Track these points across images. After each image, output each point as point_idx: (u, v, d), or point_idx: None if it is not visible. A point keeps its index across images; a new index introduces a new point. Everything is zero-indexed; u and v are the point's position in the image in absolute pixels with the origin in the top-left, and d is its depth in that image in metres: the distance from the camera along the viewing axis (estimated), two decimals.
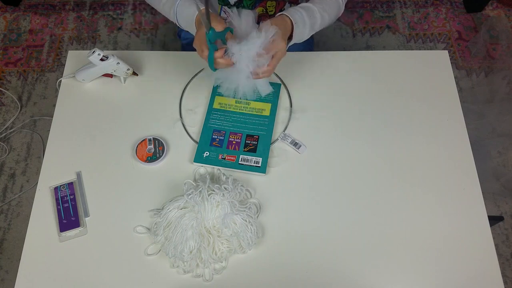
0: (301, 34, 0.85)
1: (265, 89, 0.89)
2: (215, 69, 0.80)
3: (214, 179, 0.86)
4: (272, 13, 0.99)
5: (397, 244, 0.80)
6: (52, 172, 0.88)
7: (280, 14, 0.83)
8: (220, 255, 0.77)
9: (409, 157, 0.88)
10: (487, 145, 1.59)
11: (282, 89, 0.96)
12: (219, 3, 0.98)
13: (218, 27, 0.76)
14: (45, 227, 0.82)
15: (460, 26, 1.90)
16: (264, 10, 0.98)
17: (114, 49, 1.87)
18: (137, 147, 0.88)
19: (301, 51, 1.02)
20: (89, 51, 0.90)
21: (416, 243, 0.80)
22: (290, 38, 0.84)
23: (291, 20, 0.82)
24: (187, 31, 0.90)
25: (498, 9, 1.94)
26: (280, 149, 0.89)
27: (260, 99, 0.94)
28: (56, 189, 0.85)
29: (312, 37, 0.95)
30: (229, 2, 0.95)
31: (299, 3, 1.02)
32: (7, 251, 1.47)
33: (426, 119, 0.92)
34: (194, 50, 0.82)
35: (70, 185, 0.86)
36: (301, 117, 0.93)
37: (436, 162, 0.87)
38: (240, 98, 0.93)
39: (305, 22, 0.84)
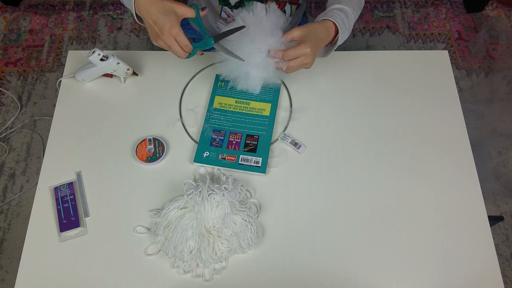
0: (342, 39, 0.84)
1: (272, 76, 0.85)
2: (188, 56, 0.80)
3: (214, 179, 0.86)
4: None
5: (397, 244, 0.80)
6: (52, 172, 0.88)
7: (323, 19, 0.81)
8: (220, 255, 0.77)
9: (409, 157, 0.88)
10: (487, 145, 1.59)
11: (282, 89, 0.97)
12: (219, 3, 0.98)
13: (188, 11, 0.75)
14: (45, 227, 0.82)
15: (460, 26, 1.90)
16: None
17: (114, 49, 1.87)
18: (137, 147, 0.88)
19: None
20: (89, 51, 0.90)
21: (416, 243, 0.80)
22: (331, 42, 0.84)
23: (335, 25, 0.81)
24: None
25: (498, 9, 1.94)
26: (280, 149, 0.89)
27: (260, 99, 0.94)
28: (56, 189, 0.85)
29: None
30: (230, 2, 0.95)
31: (299, 4, 1.02)
32: (7, 251, 1.47)
33: (426, 119, 0.92)
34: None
35: (70, 185, 0.86)
36: (301, 117, 0.93)
37: (436, 162, 0.87)
38: (244, 90, 0.91)
39: (346, 26, 0.83)
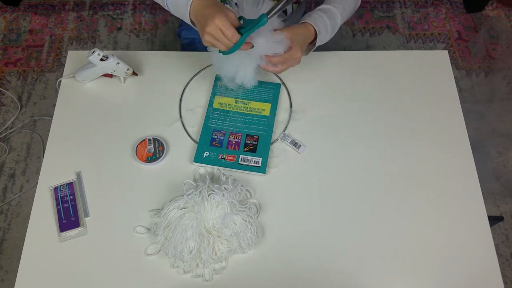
0: (323, 40, 0.89)
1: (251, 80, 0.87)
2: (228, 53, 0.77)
3: (214, 179, 0.86)
4: None
5: (397, 243, 0.80)
6: (52, 172, 0.88)
7: (304, 22, 0.86)
8: (220, 255, 0.77)
9: (409, 157, 0.88)
10: (487, 145, 1.59)
11: (282, 89, 0.96)
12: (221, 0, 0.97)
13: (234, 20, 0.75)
14: (45, 227, 0.82)
15: (460, 26, 1.90)
16: None
17: (114, 49, 1.87)
18: (137, 147, 0.88)
19: None
20: (89, 51, 0.90)
21: (416, 243, 0.80)
22: (311, 42, 0.88)
23: (314, 28, 0.85)
24: (187, 31, 0.89)
25: (498, 9, 1.94)
26: (280, 149, 0.89)
27: (260, 99, 0.94)
28: (56, 189, 0.85)
29: None
30: None
31: (300, 2, 1.02)
32: (7, 251, 1.47)
33: (426, 119, 0.92)
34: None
35: (70, 185, 0.86)
36: (301, 117, 0.93)
37: (436, 163, 0.87)
38: (240, 86, 0.91)
39: (327, 29, 0.87)
